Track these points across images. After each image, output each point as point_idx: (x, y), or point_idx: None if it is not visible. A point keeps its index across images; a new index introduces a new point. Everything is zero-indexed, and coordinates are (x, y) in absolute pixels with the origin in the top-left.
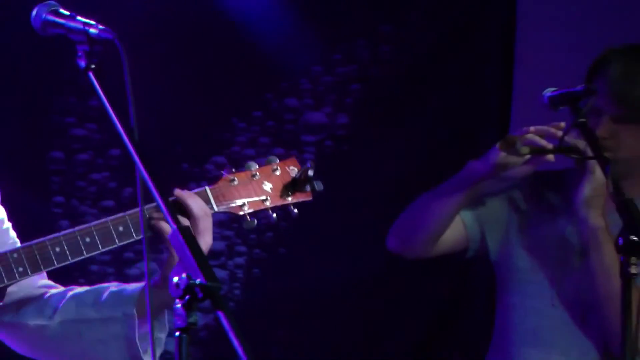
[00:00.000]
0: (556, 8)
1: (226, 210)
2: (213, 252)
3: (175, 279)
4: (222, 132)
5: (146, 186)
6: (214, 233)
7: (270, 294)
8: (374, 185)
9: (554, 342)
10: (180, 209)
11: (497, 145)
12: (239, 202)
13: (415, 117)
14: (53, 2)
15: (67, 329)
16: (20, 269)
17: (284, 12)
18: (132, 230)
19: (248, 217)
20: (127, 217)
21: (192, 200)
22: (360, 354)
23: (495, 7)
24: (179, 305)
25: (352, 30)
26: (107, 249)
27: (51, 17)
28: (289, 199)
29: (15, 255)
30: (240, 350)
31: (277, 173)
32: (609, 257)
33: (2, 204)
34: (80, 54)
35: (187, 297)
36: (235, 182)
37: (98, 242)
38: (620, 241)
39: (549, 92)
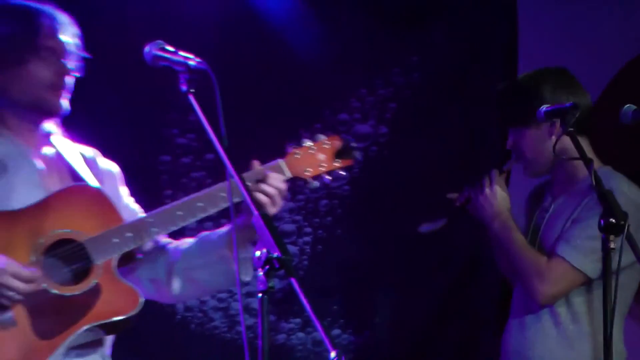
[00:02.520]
0: (554, 34)
1: (295, 175)
2: (286, 232)
3: (258, 253)
4: (291, 139)
5: (233, 181)
6: (286, 218)
7: (329, 265)
8: (407, 180)
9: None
10: (260, 178)
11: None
12: (305, 169)
13: (438, 127)
14: (160, 41)
15: (184, 275)
16: (155, 230)
17: (337, 48)
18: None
19: (312, 180)
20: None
21: (272, 175)
22: (397, 324)
23: (498, 36)
24: (260, 273)
25: (389, 61)
26: (211, 212)
27: (159, 53)
28: (337, 164)
29: (150, 219)
30: (308, 308)
31: (327, 146)
32: (515, 242)
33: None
34: (182, 81)
35: (267, 267)
36: (298, 155)
37: (207, 208)
38: (602, 223)
39: (544, 107)
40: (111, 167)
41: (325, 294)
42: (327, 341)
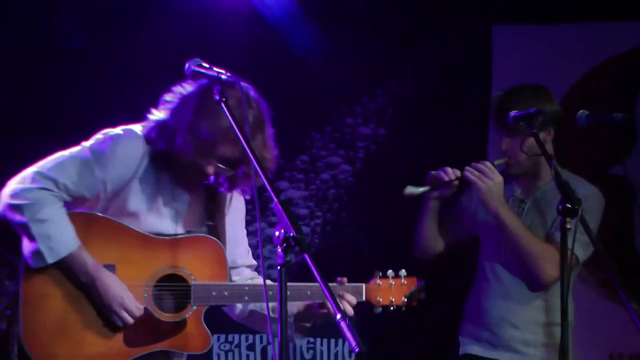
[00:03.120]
0: (522, 55)
1: (367, 300)
2: (300, 216)
3: (277, 233)
4: (305, 139)
5: (258, 174)
6: (301, 204)
7: (335, 244)
8: (401, 173)
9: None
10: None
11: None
12: (377, 298)
13: (427, 130)
14: (198, 59)
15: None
16: (246, 298)
17: (344, 63)
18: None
19: (380, 308)
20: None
21: (348, 295)
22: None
23: (476, 56)
24: (279, 250)
25: (387, 74)
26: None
27: (197, 68)
28: (404, 302)
29: (247, 288)
30: (318, 278)
31: (404, 286)
32: (515, 228)
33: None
34: (215, 92)
35: (284, 244)
36: (379, 285)
37: (291, 299)
38: (560, 207)
39: (513, 112)
40: (241, 203)
41: (332, 268)
42: (332, 304)
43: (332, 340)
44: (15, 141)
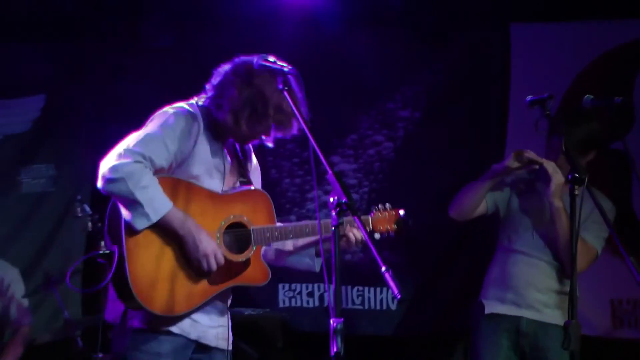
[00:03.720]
0: (539, 57)
1: (373, 228)
2: (350, 185)
3: (332, 199)
4: (354, 121)
5: (317, 156)
6: (351, 175)
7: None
8: (434, 150)
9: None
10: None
11: (511, 156)
12: (378, 226)
13: (455, 114)
14: (264, 54)
15: (288, 262)
16: (291, 236)
17: (387, 57)
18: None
19: (378, 234)
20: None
21: (354, 228)
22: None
23: (496, 52)
24: (334, 213)
25: (422, 67)
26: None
27: (263, 62)
28: (395, 227)
29: (290, 229)
30: (365, 235)
31: (392, 215)
32: (564, 221)
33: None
34: (279, 81)
35: (337, 209)
36: (379, 216)
37: (322, 232)
38: (570, 177)
39: (529, 97)
40: (256, 162)
41: None
42: (378, 258)
43: (378, 289)
44: (104, 127)
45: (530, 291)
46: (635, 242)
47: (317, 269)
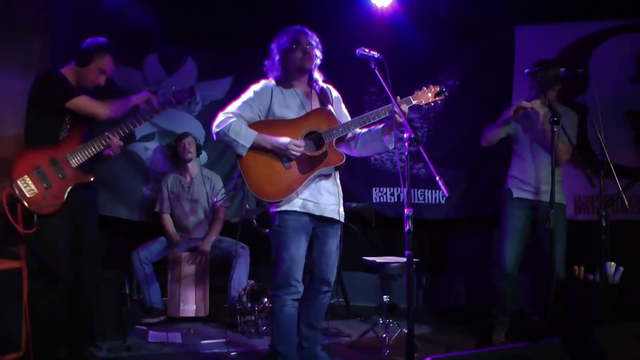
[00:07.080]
0: (538, 50)
1: (416, 101)
2: (416, 127)
3: (405, 135)
4: (415, 89)
5: (393, 105)
6: (415, 120)
7: (434, 141)
8: (466, 106)
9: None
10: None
11: (513, 108)
12: (421, 100)
13: (471, 93)
14: (363, 47)
15: (363, 145)
16: (352, 127)
17: (432, 48)
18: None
19: (423, 104)
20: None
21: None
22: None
23: (505, 48)
24: (406, 143)
25: (452, 55)
26: (379, 119)
27: (362, 52)
28: (435, 98)
29: (350, 122)
30: (426, 157)
31: (432, 90)
32: (549, 135)
33: None
34: (372, 64)
35: (408, 141)
36: (419, 93)
37: (377, 117)
38: (551, 120)
39: (526, 70)
40: (338, 95)
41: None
42: (433, 171)
43: (433, 190)
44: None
45: (543, 182)
46: (589, 161)
47: (391, 147)
